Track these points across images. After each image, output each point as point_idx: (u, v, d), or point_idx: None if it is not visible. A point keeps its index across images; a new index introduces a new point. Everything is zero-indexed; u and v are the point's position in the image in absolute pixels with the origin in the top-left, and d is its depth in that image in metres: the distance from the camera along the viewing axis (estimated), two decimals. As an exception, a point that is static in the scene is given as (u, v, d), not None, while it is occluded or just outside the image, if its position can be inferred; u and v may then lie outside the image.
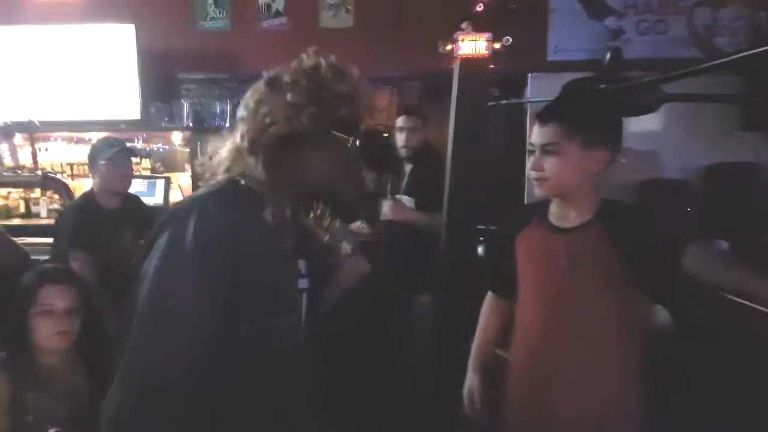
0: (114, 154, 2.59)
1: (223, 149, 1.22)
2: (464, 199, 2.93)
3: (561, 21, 4.25)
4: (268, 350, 1.14)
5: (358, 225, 2.92)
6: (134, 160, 3.08)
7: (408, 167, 3.18)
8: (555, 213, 1.57)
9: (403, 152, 3.17)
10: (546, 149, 1.48)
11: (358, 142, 1.20)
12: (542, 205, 1.60)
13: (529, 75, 4.19)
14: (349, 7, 4.32)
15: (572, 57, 4.21)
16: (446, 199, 2.96)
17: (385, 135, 4.23)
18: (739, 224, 3.55)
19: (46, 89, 4.11)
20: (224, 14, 4.41)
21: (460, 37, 4.38)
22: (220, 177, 1.20)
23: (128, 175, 2.70)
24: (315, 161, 1.18)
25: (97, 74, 4.13)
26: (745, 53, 1.67)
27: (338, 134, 1.18)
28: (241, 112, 1.21)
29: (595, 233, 1.47)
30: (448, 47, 4.40)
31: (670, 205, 3.91)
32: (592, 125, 1.48)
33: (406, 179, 3.14)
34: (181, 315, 1.06)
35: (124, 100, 4.15)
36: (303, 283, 1.22)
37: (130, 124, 4.20)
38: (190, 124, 4.26)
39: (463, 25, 4.38)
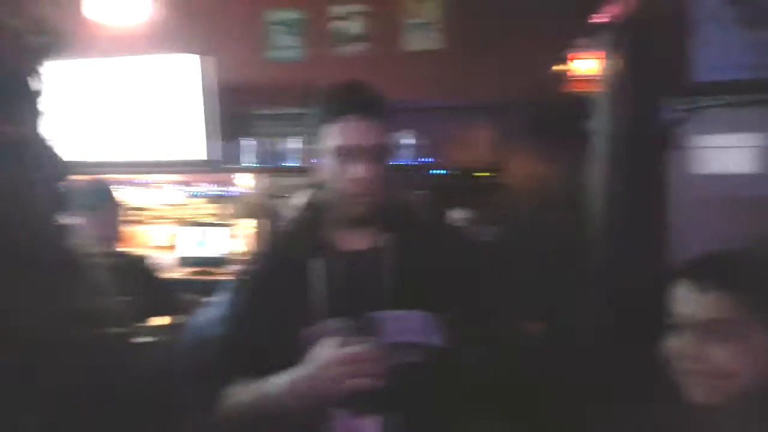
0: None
1: None
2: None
3: (710, 33, 3.33)
4: None
5: None
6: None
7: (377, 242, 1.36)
8: None
9: (359, 208, 1.33)
10: (712, 329, 0.96)
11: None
12: None
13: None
14: (439, 26, 3.66)
15: (725, 76, 3.27)
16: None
17: (495, 173, 3.44)
18: None
19: (100, 126, 3.80)
20: (297, 42, 3.90)
21: (572, 57, 3.61)
22: None
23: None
24: None
25: (158, 110, 3.75)
26: None
27: None
28: None
29: None
30: (560, 68, 3.64)
31: None
32: None
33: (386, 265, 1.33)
34: None
35: (189, 138, 3.74)
36: None
37: (196, 165, 3.79)
38: (260, 164, 3.77)
39: (579, 42, 3.60)
